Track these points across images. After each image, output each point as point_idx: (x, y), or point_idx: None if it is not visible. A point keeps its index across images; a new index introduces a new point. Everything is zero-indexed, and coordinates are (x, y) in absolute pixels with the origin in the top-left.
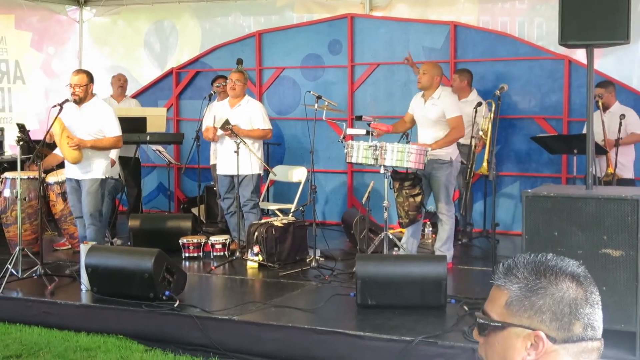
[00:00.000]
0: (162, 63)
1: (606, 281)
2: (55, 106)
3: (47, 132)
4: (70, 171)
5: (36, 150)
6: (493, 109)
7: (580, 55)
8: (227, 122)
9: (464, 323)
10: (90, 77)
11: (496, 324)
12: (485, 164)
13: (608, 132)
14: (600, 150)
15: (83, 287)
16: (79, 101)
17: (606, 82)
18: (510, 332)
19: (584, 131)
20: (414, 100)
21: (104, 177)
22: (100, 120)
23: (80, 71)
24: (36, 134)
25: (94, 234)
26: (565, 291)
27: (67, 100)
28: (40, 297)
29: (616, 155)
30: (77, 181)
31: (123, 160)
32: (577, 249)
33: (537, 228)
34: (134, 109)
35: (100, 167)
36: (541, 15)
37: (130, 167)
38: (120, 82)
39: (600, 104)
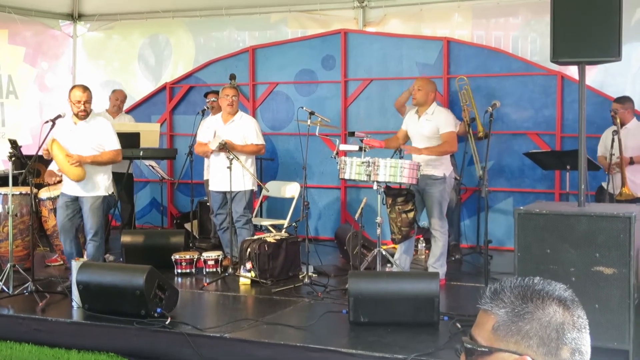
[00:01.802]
0: (156, 77)
1: (599, 299)
2: (47, 122)
3: (40, 147)
4: (70, 188)
5: (27, 166)
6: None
7: (573, 70)
8: (221, 144)
9: (457, 340)
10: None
11: (483, 348)
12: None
13: (625, 149)
14: (593, 166)
15: (74, 304)
16: (84, 117)
17: (624, 98)
18: (498, 357)
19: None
20: (408, 116)
21: (106, 194)
22: (99, 134)
23: (86, 88)
24: (29, 149)
25: (95, 250)
26: (552, 316)
27: (59, 116)
28: (31, 313)
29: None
30: (74, 197)
31: (116, 175)
32: (569, 267)
33: (530, 245)
34: (127, 124)
35: (102, 184)
36: (535, 30)
37: (124, 182)
38: (117, 102)
39: (617, 119)
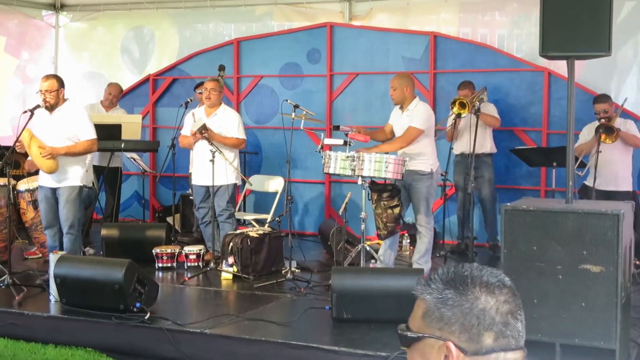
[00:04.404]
0: (140, 70)
1: (586, 297)
2: (25, 112)
3: (17, 139)
4: (46, 179)
5: (5, 157)
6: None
7: (560, 67)
8: (203, 127)
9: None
10: (60, 82)
11: (412, 335)
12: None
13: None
14: (579, 163)
15: (52, 298)
16: (51, 107)
17: (605, 96)
18: (426, 343)
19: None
20: (394, 111)
21: (81, 185)
22: (74, 123)
23: (49, 76)
24: (9, 140)
25: (71, 244)
26: (473, 302)
27: (38, 106)
28: (8, 307)
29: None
30: (52, 190)
31: (98, 168)
32: (556, 264)
33: (516, 242)
34: (109, 115)
35: (77, 174)
36: (521, 28)
37: (106, 174)
38: (110, 96)
39: (605, 120)
